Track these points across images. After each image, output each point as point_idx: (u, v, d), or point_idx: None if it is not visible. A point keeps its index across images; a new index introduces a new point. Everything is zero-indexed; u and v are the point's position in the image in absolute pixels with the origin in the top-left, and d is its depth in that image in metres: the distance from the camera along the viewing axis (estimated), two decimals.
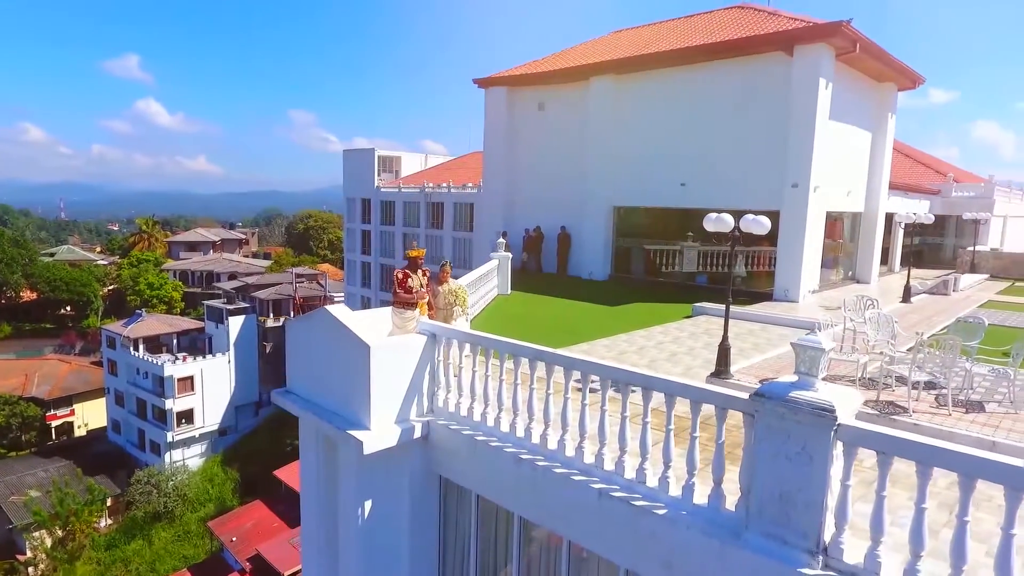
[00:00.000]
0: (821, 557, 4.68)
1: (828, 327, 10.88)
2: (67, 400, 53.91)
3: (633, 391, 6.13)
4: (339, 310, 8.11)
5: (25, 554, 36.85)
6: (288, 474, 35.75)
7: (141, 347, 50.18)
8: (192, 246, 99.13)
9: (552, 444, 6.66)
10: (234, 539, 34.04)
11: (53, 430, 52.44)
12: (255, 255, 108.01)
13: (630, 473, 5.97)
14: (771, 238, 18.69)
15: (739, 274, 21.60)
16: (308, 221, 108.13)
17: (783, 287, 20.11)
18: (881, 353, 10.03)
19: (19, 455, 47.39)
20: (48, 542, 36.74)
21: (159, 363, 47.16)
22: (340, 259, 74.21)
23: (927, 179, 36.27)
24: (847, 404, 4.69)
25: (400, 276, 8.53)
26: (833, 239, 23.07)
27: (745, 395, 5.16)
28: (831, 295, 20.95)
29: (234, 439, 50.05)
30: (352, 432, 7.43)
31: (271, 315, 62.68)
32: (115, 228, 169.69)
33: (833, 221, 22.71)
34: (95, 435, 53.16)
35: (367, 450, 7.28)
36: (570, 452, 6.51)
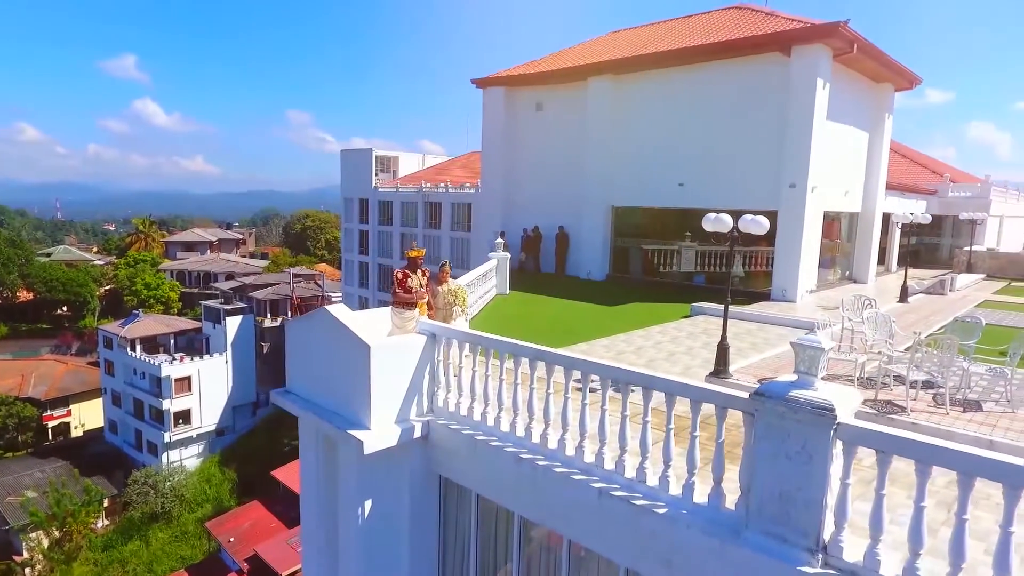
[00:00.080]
0: (821, 555, 4.70)
1: (826, 327, 10.91)
2: (64, 400, 53.79)
3: (633, 391, 6.14)
4: (339, 310, 8.11)
5: (22, 555, 36.79)
6: (286, 474, 35.70)
7: (138, 347, 50.09)
8: (189, 246, 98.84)
9: (552, 443, 6.67)
10: (232, 539, 33.99)
11: (50, 431, 52.34)
12: (252, 255, 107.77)
13: (630, 472, 5.98)
14: (769, 238, 18.72)
15: (737, 274, 21.62)
16: (305, 221, 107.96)
17: (781, 287, 20.15)
18: (879, 353, 10.08)
19: (15, 456, 47.31)
20: (45, 543, 36.68)
21: (156, 363, 47.06)
22: (337, 259, 74.09)
23: (924, 179, 36.36)
24: (847, 403, 4.71)
25: (400, 276, 8.54)
26: (830, 239, 23.12)
27: (745, 394, 5.18)
28: (828, 295, 20.98)
29: (231, 439, 49.99)
30: (352, 432, 7.43)
31: (268, 315, 62.65)
32: (112, 228, 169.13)
33: (830, 221, 22.76)
34: (92, 436, 53.05)
35: (367, 450, 7.28)
36: (570, 451, 6.52)
